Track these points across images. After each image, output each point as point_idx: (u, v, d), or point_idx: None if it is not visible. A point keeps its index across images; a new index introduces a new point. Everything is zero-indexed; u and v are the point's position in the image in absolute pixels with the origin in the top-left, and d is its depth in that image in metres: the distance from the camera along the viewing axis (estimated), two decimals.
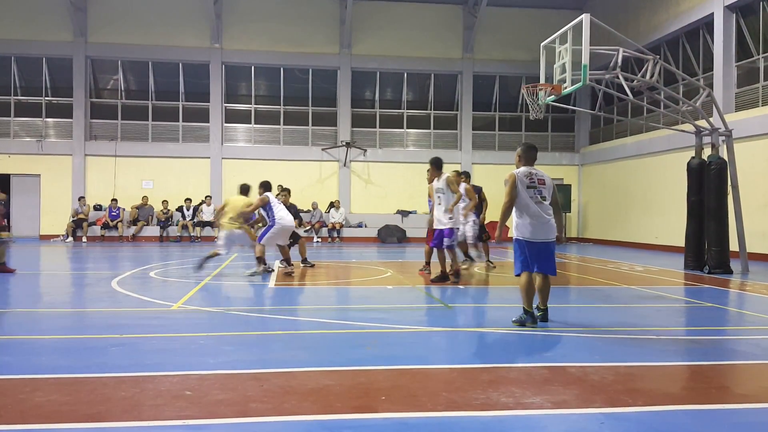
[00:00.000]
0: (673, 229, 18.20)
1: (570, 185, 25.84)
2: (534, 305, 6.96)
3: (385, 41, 25.72)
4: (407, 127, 26.43)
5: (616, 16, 22.67)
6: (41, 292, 10.25)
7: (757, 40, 17.16)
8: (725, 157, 13.38)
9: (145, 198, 23.74)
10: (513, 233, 6.92)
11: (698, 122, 14.06)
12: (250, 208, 11.84)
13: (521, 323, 6.75)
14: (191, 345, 5.81)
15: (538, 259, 6.81)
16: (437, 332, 6.67)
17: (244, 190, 12.45)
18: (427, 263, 12.17)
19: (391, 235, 24.10)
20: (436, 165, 10.76)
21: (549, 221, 6.76)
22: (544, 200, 6.77)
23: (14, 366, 5.01)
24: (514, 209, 6.85)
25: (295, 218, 12.85)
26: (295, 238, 13.21)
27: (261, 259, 11.86)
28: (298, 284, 11.05)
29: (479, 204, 12.77)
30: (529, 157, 6.99)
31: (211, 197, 23.92)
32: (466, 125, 26.24)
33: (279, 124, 25.65)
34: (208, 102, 24.97)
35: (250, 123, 25.60)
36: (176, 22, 24.67)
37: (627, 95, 12.48)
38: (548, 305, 7.08)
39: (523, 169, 6.91)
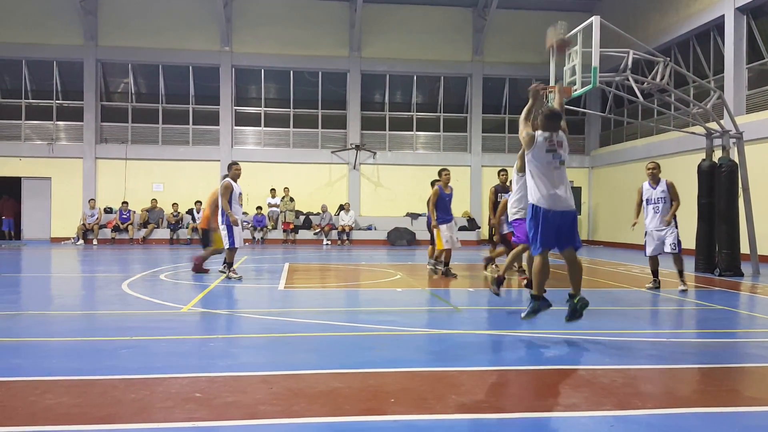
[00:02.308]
0: (684, 232, 18.07)
1: (580, 188, 25.77)
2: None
3: (395, 44, 25.73)
4: (417, 130, 26.43)
5: (626, 18, 22.60)
6: (52, 294, 10.30)
7: None
8: (736, 159, 13.31)
9: (154, 201, 23.83)
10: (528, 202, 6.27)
11: (709, 124, 13.99)
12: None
13: (534, 311, 6.26)
14: (201, 347, 5.83)
15: (559, 232, 6.16)
16: (446, 335, 6.65)
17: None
18: None
19: (401, 238, 24.09)
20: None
21: (568, 188, 6.22)
22: (563, 164, 6.22)
23: (25, 368, 5.04)
24: (528, 173, 6.29)
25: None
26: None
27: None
28: (307, 287, 11.07)
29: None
30: (549, 125, 6.31)
31: None
32: (476, 128, 26.21)
33: (289, 127, 25.71)
34: (218, 105, 25.06)
35: (259, 126, 25.67)
36: (186, 25, 24.78)
37: (637, 98, 12.43)
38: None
39: (542, 132, 6.30)
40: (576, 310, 6.31)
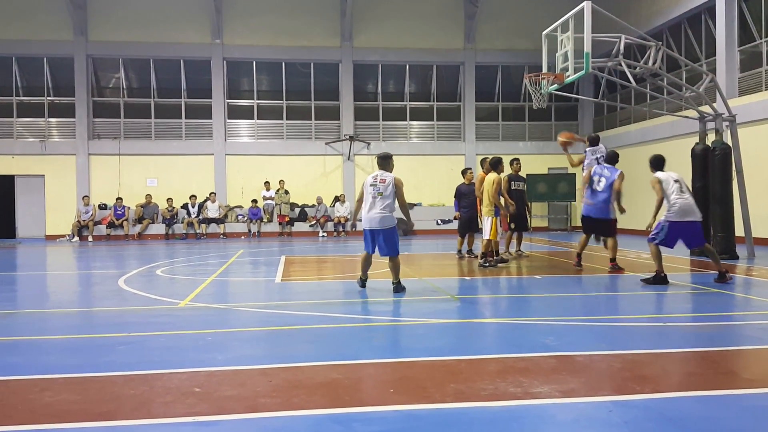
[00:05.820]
0: None
1: (574, 174, 25.74)
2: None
3: (387, 33, 25.64)
4: (410, 120, 26.39)
5: (618, 2, 22.51)
6: (48, 292, 10.28)
7: (760, 24, 17.06)
8: (729, 142, 13.33)
9: (149, 196, 23.75)
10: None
11: (702, 108, 14.00)
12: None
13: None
14: (199, 342, 5.83)
15: (375, 242, 9.06)
16: (444, 324, 6.67)
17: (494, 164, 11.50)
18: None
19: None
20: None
21: (383, 212, 8.98)
22: (380, 195, 8.81)
23: (23, 366, 5.03)
24: None
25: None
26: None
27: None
28: (304, 279, 11.08)
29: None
30: (378, 164, 9.12)
31: (215, 194, 23.93)
32: (469, 116, 26.18)
33: (282, 119, 25.64)
34: (211, 98, 24.96)
35: (252, 118, 25.59)
36: (176, 18, 24.63)
37: (630, 82, 12.43)
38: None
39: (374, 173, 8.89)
40: (396, 291, 8.85)
